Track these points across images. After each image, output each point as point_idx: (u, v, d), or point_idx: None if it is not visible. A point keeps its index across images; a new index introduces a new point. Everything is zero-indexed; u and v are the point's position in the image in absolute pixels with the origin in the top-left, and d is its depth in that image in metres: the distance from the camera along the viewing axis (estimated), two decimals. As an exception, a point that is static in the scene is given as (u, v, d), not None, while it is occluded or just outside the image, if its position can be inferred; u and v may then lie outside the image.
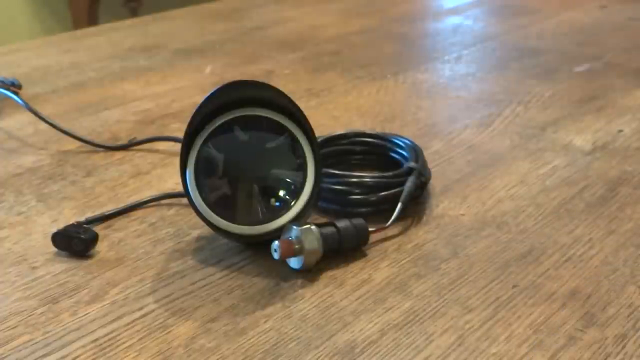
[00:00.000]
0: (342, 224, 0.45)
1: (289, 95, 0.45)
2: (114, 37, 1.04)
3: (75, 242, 0.46)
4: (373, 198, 0.50)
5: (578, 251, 0.46)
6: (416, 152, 0.53)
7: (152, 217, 0.51)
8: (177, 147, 0.49)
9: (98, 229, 0.49)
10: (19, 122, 0.70)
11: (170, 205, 0.53)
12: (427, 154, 0.56)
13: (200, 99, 0.45)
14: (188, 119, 0.45)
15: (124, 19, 1.19)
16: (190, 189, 0.45)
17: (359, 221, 0.46)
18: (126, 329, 0.39)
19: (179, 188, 0.50)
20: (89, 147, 0.64)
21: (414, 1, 1.26)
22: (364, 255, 0.46)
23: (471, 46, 0.94)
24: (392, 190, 0.50)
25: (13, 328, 0.40)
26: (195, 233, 0.49)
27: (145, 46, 0.97)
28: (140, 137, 0.65)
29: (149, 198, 0.53)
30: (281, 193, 0.46)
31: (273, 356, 0.37)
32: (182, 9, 1.21)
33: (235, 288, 0.43)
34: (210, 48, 0.96)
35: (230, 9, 1.19)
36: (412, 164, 0.52)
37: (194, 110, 0.45)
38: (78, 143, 0.64)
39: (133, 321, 0.40)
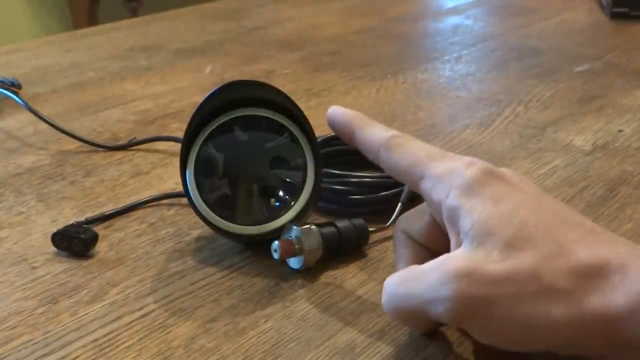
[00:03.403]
0: (342, 224, 0.45)
1: (289, 95, 0.45)
2: (114, 37, 1.04)
3: (75, 242, 0.46)
4: (373, 198, 0.50)
5: (578, 251, 0.46)
6: (416, 152, 0.53)
7: (152, 217, 0.51)
8: (177, 147, 0.49)
9: (98, 229, 0.49)
10: (19, 122, 0.71)
11: (170, 205, 0.53)
12: (427, 154, 0.56)
13: (200, 99, 0.45)
14: (188, 119, 0.45)
15: (124, 19, 1.19)
16: (190, 189, 0.45)
17: (359, 221, 0.46)
18: (126, 329, 0.39)
19: (179, 188, 0.50)
20: (89, 147, 0.64)
21: (414, 1, 1.26)
22: (364, 255, 0.46)
23: (471, 46, 0.94)
24: (392, 190, 0.50)
25: (13, 328, 0.40)
26: (195, 233, 0.49)
27: (145, 46, 0.98)
28: (140, 137, 0.65)
29: (148, 198, 0.53)
30: (281, 193, 0.46)
31: (273, 356, 0.37)
32: (182, 9, 1.21)
33: (235, 288, 0.43)
34: (210, 48, 0.96)
35: (230, 9, 1.19)
36: (412, 164, 0.52)
37: (193, 110, 0.45)
38: (78, 143, 0.64)
39: (133, 321, 0.40)
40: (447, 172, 0.35)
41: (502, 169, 0.36)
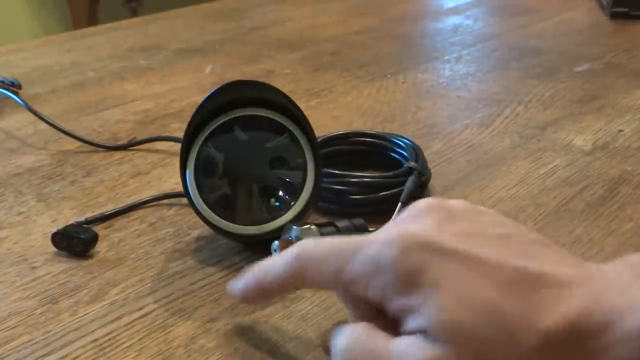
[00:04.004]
0: (342, 224, 0.45)
1: (289, 95, 0.45)
2: (114, 37, 1.04)
3: (75, 242, 0.46)
4: (373, 198, 0.50)
5: (578, 251, 0.46)
6: (416, 152, 0.53)
7: (152, 217, 0.51)
8: (177, 147, 0.49)
9: (98, 229, 0.49)
10: (19, 122, 0.71)
11: (170, 205, 0.53)
12: (427, 154, 0.56)
13: (200, 99, 0.45)
14: (188, 119, 0.45)
15: (124, 19, 1.19)
16: (190, 189, 0.45)
17: (359, 221, 0.46)
18: (126, 329, 0.39)
19: (179, 188, 0.50)
20: (89, 147, 0.64)
21: (414, 1, 1.26)
22: (364, 255, 0.46)
23: (471, 46, 0.94)
24: (392, 190, 0.50)
25: (13, 328, 0.40)
26: (195, 233, 0.49)
27: (145, 46, 0.98)
28: (140, 137, 0.65)
29: (148, 198, 0.53)
30: (281, 193, 0.46)
31: (273, 356, 0.37)
32: (182, 9, 1.21)
33: (235, 288, 0.43)
34: (210, 48, 0.96)
35: (230, 9, 1.19)
36: (412, 164, 0.52)
37: (193, 110, 0.45)
38: (78, 143, 0.64)
39: (133, 321, 0.40)
40: (371, 270, 0.30)
41: (422, 227, 0.31)
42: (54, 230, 0.48)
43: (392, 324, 0.31)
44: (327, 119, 0.69)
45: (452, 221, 0.32)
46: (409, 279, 0.29)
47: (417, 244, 0.30)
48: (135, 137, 0.65)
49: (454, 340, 0.28)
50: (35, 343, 0.39)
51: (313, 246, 0.33)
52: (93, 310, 0.41)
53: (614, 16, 1.05)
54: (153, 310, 0.41)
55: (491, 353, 0.28)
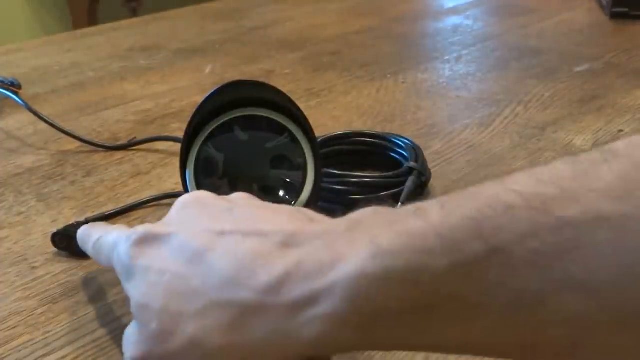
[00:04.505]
0: (342, 224, 0.45)
1: (289, 95, 0.45)
2: (114, 37, 1.04)
3: (75, 242, 0.46)
4: (373, 198, 0.50)
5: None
6: (416, 152, 0.54)
7: (152, 217, 0.51)
8: (177, 147, 0.49)
9: (98, 229, 0.49)
10: (19, 122, 0.71)
11: (170, 205, 0.53)
12: (427, 154, 0.56)
13: (200, 99, 0.45)
14: (188, 119, 0.45)
15: (124, 19, 1.19)
16: (190, 189, 0.45)
17: (359, 221, 0.46)
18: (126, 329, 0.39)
19: (179, 188, 0.50)
20: (89, 147, 0.64)
21: (414, 1, 1.26)
22: (364, 255, 0.46)
23: (471, 46, 0.94)
24: (392, 190, 0.50)
25: (13, 328, 0.40)
26: (195, 233, 0.49)
27: (145, 46, 0.98)
28: (140, 137, 0.65)
29: (149, 198, 0.53)
30: (281, 193, 0.46)
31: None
32: (182, 9, 1.21)
33: (235, 288, 0.43)
34: (210, 48, 0.96)
35: (230, 9, 1.19)
36: (412, 164, 0.52)
37: (193, 110, 0.45)
38: (78, 143, 0.64)
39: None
40: (114, 264, 0.34)
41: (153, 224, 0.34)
42: (54, 230, 0.47)
43: None
44: (327, 119, 0.69)
45: (183, 211, 0.35)
46: (129, 270, 0.32)
47: (138, 239, 0.32)
48: (135, 137, 0.65)
49: (147, 319, 0.30)
50: (35, 343, 0.39)
51: (102, 236, 0.37)
52: (93, 310, 0.41)
53: (614, 16, 1.05)
54: (153, 310, 0.41)
55: (183, 329, 0.29)
